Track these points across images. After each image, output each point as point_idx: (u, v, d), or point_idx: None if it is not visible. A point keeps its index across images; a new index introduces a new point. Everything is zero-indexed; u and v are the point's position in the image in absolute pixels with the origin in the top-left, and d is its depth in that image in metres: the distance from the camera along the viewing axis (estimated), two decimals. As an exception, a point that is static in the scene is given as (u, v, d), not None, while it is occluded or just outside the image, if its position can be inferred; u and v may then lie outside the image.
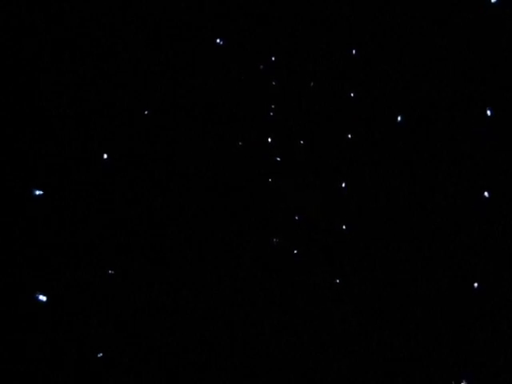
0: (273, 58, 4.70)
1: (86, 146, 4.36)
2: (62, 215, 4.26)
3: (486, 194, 4.47)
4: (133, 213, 4.39)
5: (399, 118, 4.60)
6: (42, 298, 4.10)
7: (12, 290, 4.10)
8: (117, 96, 4.44)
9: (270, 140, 4.65)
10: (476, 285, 4.38)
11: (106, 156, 4.37)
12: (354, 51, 4.66)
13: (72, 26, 4.41)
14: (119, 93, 4.45)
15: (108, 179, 4.39)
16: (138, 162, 4.45)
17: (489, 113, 4.50)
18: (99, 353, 4.16)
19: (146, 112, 4.49)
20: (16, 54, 4.28)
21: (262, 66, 4.71)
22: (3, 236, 4.13)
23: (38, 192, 4.22)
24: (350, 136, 4.66)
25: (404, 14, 4.59)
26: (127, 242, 4.36)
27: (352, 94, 4.67)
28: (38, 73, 4.33)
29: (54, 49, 4.37)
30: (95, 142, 4.38)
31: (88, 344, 4.15)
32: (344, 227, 4.58)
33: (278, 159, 4.65)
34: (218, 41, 4.61)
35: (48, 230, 4.23)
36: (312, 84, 4.72)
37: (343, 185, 4.63)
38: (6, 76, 4.28)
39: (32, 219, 4.21)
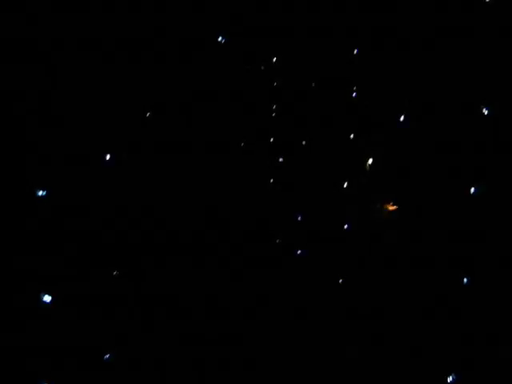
0: (274, 58, 4.70)
1: (86, 145, 4.37)
2: (62, 214, 4.27)
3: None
4: (133, 212, 4.39)
5: (400, 119, 4.62)
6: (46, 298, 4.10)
7: (11, 292, 4.11)
8: (118, 86, 4.45)
9: (272, 138, 4.64)
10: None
11: (107, 155, 4.38)
12: (355, 50, 4.66)
13: (72, 25, 4.42)
14: (120, 82, 4.45)
15: (108, 178, 4.39)
16: (140, 160, 4.46)
17: (488, 112, 4.51)
18: (99, 353, 4.16)
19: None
20: (16, 53, 4.29)
21: (262, 67, 4.70)
22: (6, 237, 4.14)
23: (40, 191, 4.23)
24: (351, 136, 4.67)
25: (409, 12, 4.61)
26: (127, 241, 4.36)
27: (354, 94, 4.68)
28: (38, 72, 4.34)
29: (54, 48, 4.37)
30: (96, 140, 4.39)
31: (88, 344, 4.16)
32: (344, 227, 4.59)
33: (280, 159, 4.65)
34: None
35: (48, 230, 4.23)
36: (313, 85, 4.72)
37: (344, 185, 4.64)
38: (6, 76, 4.29)
39: (33, 220, 4.22)
